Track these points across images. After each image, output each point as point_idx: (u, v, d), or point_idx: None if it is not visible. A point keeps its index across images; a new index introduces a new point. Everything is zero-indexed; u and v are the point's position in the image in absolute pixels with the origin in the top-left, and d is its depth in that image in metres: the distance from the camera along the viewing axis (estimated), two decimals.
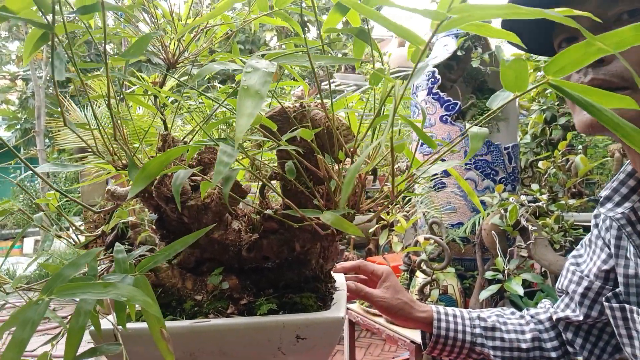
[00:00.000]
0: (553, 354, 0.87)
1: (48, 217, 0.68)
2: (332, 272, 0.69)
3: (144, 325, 0.50)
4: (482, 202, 1.92)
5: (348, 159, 0.53)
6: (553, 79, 0.29)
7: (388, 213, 1.79)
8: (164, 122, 0.66)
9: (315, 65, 0.42)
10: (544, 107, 2.49)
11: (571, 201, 1.87)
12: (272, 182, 0.58)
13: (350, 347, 2.31)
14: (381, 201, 0.50)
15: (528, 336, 0.88)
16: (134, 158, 0.54)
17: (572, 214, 1.97)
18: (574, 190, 2.25)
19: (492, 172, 2.25)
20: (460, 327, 0.88)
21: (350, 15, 0.45)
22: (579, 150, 2.55)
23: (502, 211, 1.76)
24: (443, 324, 0.88)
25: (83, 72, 0.47)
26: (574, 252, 0.89)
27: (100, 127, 0.52)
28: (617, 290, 0.74)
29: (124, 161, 0.56)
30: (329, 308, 0.58)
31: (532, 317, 0.92)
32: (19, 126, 8.84)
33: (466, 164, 2.24)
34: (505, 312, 0.94)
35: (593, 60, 0.27)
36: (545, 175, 2.19)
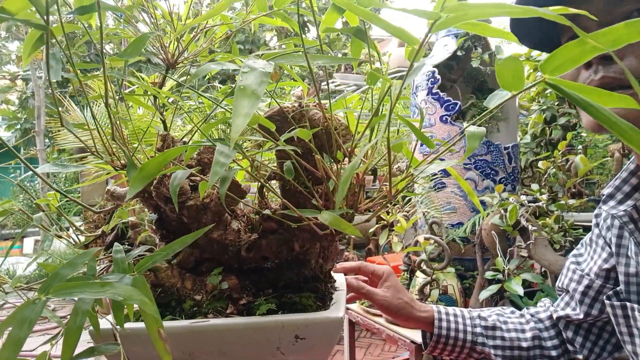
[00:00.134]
0: (553, 353, 0.87)
1: (48, 217, 0.68)
2: (331, 272, 0.69)
3: (141, 325, 0.50)
4: (482, 202, 1.92)
5: (347, 159, 0.53)
6: (550, 78, 0.29)
7: (388, 213, 1.79)
8: (164, 122, 0.66)
9: (314, 65, 0.42)
10: (544, 107, 2.49)
11: (571, 201, 1.87)
12: (272, 182, 0.58)
13: (350, 347, 2.31)
14: (380, 201, 0.50)
15: (528, 335, 0.88)
16: (133, 158, 0.54)
17: (572, 214, 1.97)
18: (573, 190, 2.25)
19: (492, 172, 2.25)
20: (461, 327, 0.89)
21: (348, 14, 0.45)
22: (579, 150, 2.55)
23: (502, 211, 1.76)
24: (444, 324, 0.88)
25: (83, 72, 0.47)
26: (574, 252, 0.90)
27: (99, 128, 0.52)
28: (617, 288, 0.74)
29: (122, 161, 0.57)
30: (328, 308, 0.58)
31: (532, 316, 0.93)
32: (19, 126, 8.83)
33: (466, 164, 2.24)
34: (505, 311, 0.94)
35: (590, 58, 0.27)
36: (545, 175, 2.19)
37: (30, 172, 0.55)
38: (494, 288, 1.61)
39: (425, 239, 1.90)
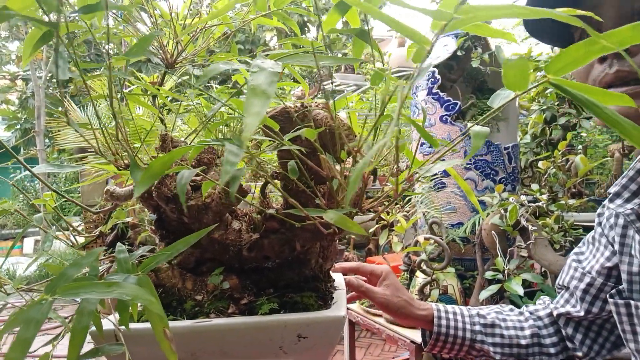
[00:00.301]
0: (552, 350, 0.87)
1: (45, 218, 0.68)
2: (330, 272, 0.70)
3: (145, 325, 0.50)
4: (482, 202, 1.92)
5: (348, 159, 0.53)
6: (554, 78, 0.29)
7: (388, 213, 1.79)
8: (162, 120, 0.66)
9: (319, 66, 0.42)
10: (544, 107, 2.49)
11: (571, 201, 1.87)
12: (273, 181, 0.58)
13: (350, 347, 2.31)
14: (383, 200, 0.50)
15: (527, 332, 0.89)
16: (136, 158, 0.54)
17: (572, 214, 1.97)
18: (574, 190, 2.25)
19: (492, 172, 2.25)
20: (460, 325, 0.89)
21: (349, 15, 0.45)
22: (579, 150, 2.55)
23: (502, 211, 1.76)
24: (443, 322, 0.89)
25: (84, 72, 0.47)
26: (575, 250, 0.90)
27: (104, 128, 0.52)
28: (620, 287, 0.75)
29: (125, 161, 0.56)
30: (330, 307, 0.59)
31: (531, 313, 0.93)
32: (19, 126, 8.83)
33: (466, 164, 2.23)
34: (504, 309, 0.95)
35: (595, 58, 0.28)
36: (545, 175, 2.19)
37: (30, 172, 0.55)
38: (494, 288, 1.61)
39: (425, 239, 1.90)
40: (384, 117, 0.43)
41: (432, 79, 2.32)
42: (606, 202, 0.82)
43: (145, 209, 0.76)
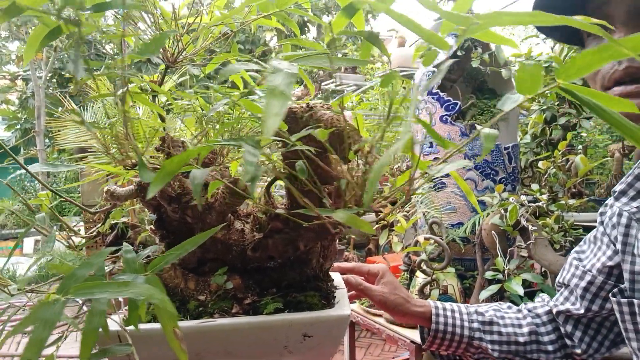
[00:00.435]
0: (550, 347, 0.88)
1: (44, 218, 0.68)
2: (329, 272, 0.70)
3: (152, 325, 0.50)
4: (482, 202, 1.92)
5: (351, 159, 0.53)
6: (564, 83, 0.30)
7: (380, 213, 1.79)
8: (163, 119, 0.66)
9: (332, 67, 0.43)
10: (544, 107, 2.49)
11: (571, 201, 1.87)
12: (277, 182, 0.58)
13: (350, 347, 2.31)
14: (391, 200, 0.51)
15: (525, 330, 0.89)
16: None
17: (572, 214, 1.97)
18: (574, 190, 2.25)
19: (492, 172, 2.25)
20: (458, 322, 0.89)
21: (355, 18, 0.46)
22: (579, 150, 2.55)
23: (502, 211, 1.76)
24: (441, 319, 0.89)
25: (87, 71, 0.47)
26: (576, 248, 0.91)
27: (111, 126, 0.52)
28: (622, 286, 0.75)
29: (133, 160, 0.56)
30: (334, 306, 0.59)
31: (529, 311, 0.93)
32: (19, 126, 8.83)
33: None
34: (502, 307, 0.95)
35: (603, 65, 0.29)
36: (545, 175, 2.19)
37: (28, 172, 0.55)
38: (494, 288, 1.61)
39: (425, 239, 1.90)
40: (396, 118, 0.44)
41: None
42: (609, 200, 0.83)
43: (146, 209, 0.76)
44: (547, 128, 2.50)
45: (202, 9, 0.66)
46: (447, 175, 2.55)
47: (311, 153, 0.46)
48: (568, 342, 0.87)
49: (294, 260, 0.62)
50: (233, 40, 0.69)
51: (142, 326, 0.48)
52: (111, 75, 0.46)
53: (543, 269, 1.79)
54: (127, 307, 0.60)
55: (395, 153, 0.33)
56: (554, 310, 0.89)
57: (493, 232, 1.77)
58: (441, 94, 2.29)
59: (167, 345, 0.45)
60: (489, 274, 1.70)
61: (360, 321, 2.02)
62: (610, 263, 0.80)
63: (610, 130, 2.88)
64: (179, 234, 0.61)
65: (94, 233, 0.72)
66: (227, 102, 0.51)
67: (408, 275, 2.05)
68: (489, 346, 0.88)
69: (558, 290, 0.92)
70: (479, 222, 2.05)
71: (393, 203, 0.54)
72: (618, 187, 0.77)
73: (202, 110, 0.66)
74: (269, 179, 0.58)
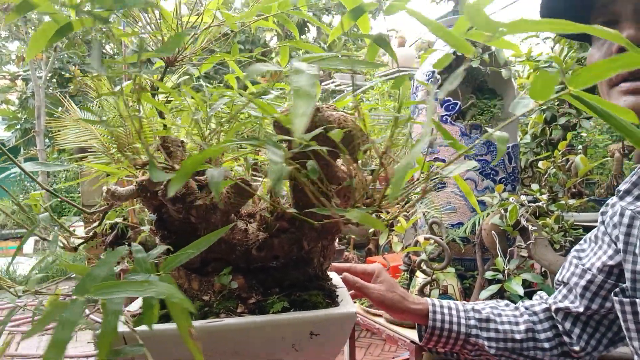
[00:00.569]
0: (546, 345, 0.88)
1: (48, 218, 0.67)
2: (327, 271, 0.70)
3: (161, 326, 0.50)
4: (482, 202, 1.92)
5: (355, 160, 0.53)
6: (574, 90, 0.32)
7: (388, 213, 1.79)
8: (161, 116, 0.66)
9: (350, 69, 0.44)
10: (544, 107, 2.49)
11: (571, 201, 1.87)
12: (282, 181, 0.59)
13: (350, 347, 2.31)
14: (402, 198, 0.52)
15: (522, 327, 0.89)
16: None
17: (572, 214, 1.97)
18: (574, 190, 2.25)
19: (492, 172, 2.25)
20: (455, 319, 0.90)
21: (360, 20, 0.46)
22: (579, 150, 2.55)
23: (502, 211, 1.76)
24: (438, 316, 0.90)
25: (83, 71, 0.47)
26: (576, 247, 0.91)
27: (131, 125, 0.52)
28: (623, 285, 0.75)
29: (143, 159, 0.56)
30: (338, 305, 0.60)
31: (526, 308, 0.94)
32: (19, 126, 8.83)
33: None
34: (499, 304, 0.95)
35: (614, 51, 0.31)
36: (545, 175, 2.19)
37: (31, 172, 0.55)
38: (494, 288, 1.61)
39: (425, 239, 1.90)
40: (407, 119, 0.45)
41: (432, 79, 2.32)
42: (611, 200, 0.83)
43: (146, 209, 0.76)
44: (547, 128, 2.50)
45: (202, 8, 0.66)
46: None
47: (316, 153, 0.46)
48: (566, 339, 0.88)
49: (296, 259, 0.62)
50: (233, 40, 0.69)
51: (145, 327, 0.48)
52: (113, 75, 0.46)
53: (543, 269, 1.79)
54: (127, 309, 0.60)
55: (417, 154, 0.34)
56: (553, 307, 0.90)
57: (493, 232, 1.77)
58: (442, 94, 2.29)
59: (171, 345, 0.45)
60: (489, 274, 1.70)
61: (360, 321, 2.02)
62: (611, 262, 0.80)
63: (610, 130, 2.88)
64: (181, 234, 0.61)
65: (90, 234, 0.72)
66: (225, 102, 0.51)
67: (408, 275, 2.05)
68: (486, 343, 0.88)
69: (556, 288, 0.92)
70: (479, 222, 2.05)
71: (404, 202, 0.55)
72: (623, 186, 0.78)
73: (207, 110, 0.67)
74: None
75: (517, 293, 1.52)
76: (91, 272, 0.33)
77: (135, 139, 0.53)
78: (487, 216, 1.86)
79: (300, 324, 0.54)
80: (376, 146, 0.49)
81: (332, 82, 5.60)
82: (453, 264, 2.03)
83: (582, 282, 0.84)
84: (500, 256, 1.69)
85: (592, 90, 0.34)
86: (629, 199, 0.76)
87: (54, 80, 8.35)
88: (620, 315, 0.74)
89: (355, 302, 2.04)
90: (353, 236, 3.28)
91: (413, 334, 1.72)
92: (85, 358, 3.58)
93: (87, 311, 0.56)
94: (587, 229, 1.42)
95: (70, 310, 0.30)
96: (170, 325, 0.50)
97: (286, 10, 0.60)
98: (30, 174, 0.56)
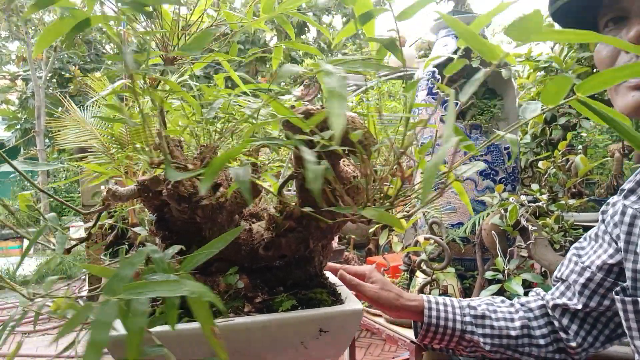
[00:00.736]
0: (541, 341, 0.88)
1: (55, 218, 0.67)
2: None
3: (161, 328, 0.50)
4: (482, 202, 1.92)
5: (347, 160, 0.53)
6: (581, 96, 0.33)
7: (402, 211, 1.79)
8: (161, 112, 0.65)
9: (378, 72, 0.45)
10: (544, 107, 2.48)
11: (571, 201, 1.87)
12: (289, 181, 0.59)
13: (350, 347, 2.31)
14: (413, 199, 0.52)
15: (517, 324, 0.90)
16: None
17: (572, 214, 1.97)
18: (574, 190, 2.25)
19: (492, 172, 2.25)
20: (450, 316, 0.90)
21: (366, 25, 0.47)
22: (579, 150, 2.54)
23: (502, 211, 1.76)
24: (434, 313, 0.90)
25: (83, 71, 0.47)
26: (576, 245, 0.91)
27: (146, 125, 0.52)
28: (624, 284, 0.76)
29: (159, 157, 0.56)
30: (343, 302, 0.61)
31: (522, 305, 0.94)
32: (19, 126, 8.83)
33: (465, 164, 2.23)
34: (495, 301, 0.96)
35: (622, 48, 0.33)
36: (545, 175, 2.19)
37: (31, 171, 0.55)
38: (494, 288, 1.61)
39: (425, 239, 1.90)
40: (421, 121, 0.46)
41: (433, 79, 2.32)
42: (612, 199, 0.83)
43: (146, 209, 0.76)
44: (547, 128, 2.50)
45: (202, 9, 0.66)
46: None
47: (325, 153, 0.46)
48: (563, 335, 0.88)
49: (298, 258, 0.63)
50: (232, 40, 0.69)
51: (159, 329, 0.48)
52: (114, 74, 0.46)
53: (543, 269, 1.79)
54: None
55: (444, 154, 0.35)
56: (550, 304, 0.90)
57: (493, 232, 1.77)
58: (441, 93, 2.29)
59: (182, 346, 0.45)
60: (489, 274, 1.70)
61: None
62: (611, 261, 0.80)
63: (610, 131, 2.88)
64: (183, 234, 0.61)
65: (85, 235, 0.71)
66: (222, 102, 0.51)
67: (408, 275, 2.04)
68: (481, 339, 0.89)
69: (554, 285, 0.92)
70: (479, 222, 2.05)
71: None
72: (627, 185, 0.78)
73: (206, 110, 0.67)
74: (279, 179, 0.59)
75: (517, 293, 1.52)
76: (118, 273, 0.34)
77: (151, 138, 0.53)
78: (487, 216, 1.86)
79: (310, 322, 0.55)
80: (394, 147, 0.50)
81: None
82: (453, 264, 2.03)
83: (581, 280, 0.84)
84: (500, 256, 1.69)
85: None
86: (633, 197, 0.76)
87: (54, 80, 8.34)
88: (622, 314, 0.74)
89: None
90: (353, 236, 3.28)
91: (413, 334, 1.72)
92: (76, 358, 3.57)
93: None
94: (587, 229, 1.42)
95: (103, 312, 0.30)
96: (188, 325, 0.51)
97: (287, 10, 0.60)
98: (23, 173, 0.56)
